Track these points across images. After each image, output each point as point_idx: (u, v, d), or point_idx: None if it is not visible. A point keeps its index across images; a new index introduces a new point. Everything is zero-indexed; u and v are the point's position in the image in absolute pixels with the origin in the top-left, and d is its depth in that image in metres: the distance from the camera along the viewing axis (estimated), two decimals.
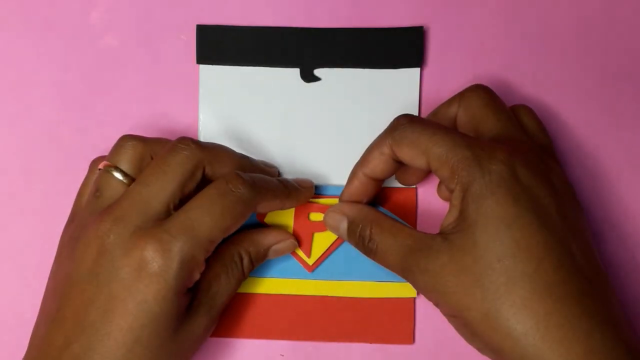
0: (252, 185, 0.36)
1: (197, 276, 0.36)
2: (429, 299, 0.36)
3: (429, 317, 0.41)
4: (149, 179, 0.35)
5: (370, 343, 0.41)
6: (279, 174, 0.42)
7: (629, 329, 0.34)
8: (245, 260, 0.39)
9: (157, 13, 0.43)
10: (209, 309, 0.37)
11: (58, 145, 0.42)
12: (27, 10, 0.43)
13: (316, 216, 0.41)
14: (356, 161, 0.39)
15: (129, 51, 0.43)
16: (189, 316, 0.36)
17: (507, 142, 0.36)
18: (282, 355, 0.42)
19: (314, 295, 0.41)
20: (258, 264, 0.40)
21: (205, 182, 0.37)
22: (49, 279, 0.37)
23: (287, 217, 0.41)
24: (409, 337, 0.41)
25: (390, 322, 0.41)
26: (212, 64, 0.42)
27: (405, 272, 0.36)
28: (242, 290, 0.41)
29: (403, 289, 0.41)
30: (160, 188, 0.35)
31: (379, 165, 0.37)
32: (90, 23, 0.43)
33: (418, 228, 0.41)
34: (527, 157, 0.35)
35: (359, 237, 0.38)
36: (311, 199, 0.41)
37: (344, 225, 0.39)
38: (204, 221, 0.35)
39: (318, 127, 0.42)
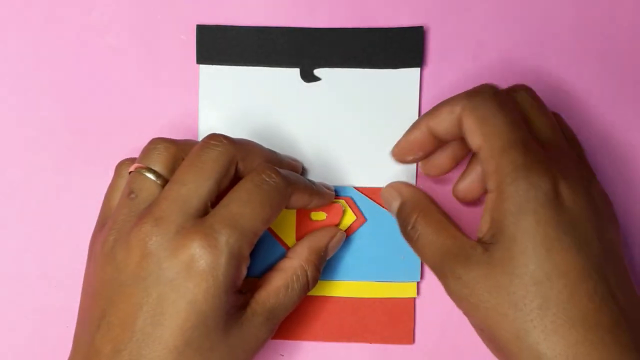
0: (286, 176, 0.36)
1: (244, 271, 0.35)
2: (459, 306, 0.36)
3: (429, 317, 0.41)
4: (185, 177, 0.35)
5: (370, 343, 0.41)
6: (303, 170, 0.42)
7: None
8: (310, 272, 0.38)
9: (157, 13, 0.43)
10: (266, 320, 0.36)
11: (58, 145, 0.42)
12: (27, 10, 0.43)
13: (317, 215, 0.41)
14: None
15: (129, 51, 0.43)
16: (242, 322, 0.35)
17: (553, 152, 0.35)
18: (282, 355, 0.42)
19: (314, 295, 0.41)
20: (322, 267, 0.39)
21: (237, 178, 0.36)
22: (86, 285, 0.37)
23: (289, 218, 0.41)
24: (409, 337, 0.41)
25: (390, 322, 0.41)
26: (212, 64, 0.42)
27: (438, 272, 0.36)
28: None
29: (403, 289, 0.41)
30: (198, 185, 0.35)
31: (444, 121, 0.36)
32: (90, 23, 0.43)
33: None
34: (572, 174, 0.35)
35: (404, 221, 0.38)
36: None
37: (396, 204, 0.39)
38: (245, 213, 0.34)
39: (318, 127, 0.42)
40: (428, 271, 0.41)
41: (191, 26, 0.42)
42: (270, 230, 0.41)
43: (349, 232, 0.41)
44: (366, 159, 0.42)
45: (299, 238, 0.41)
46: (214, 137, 0.36)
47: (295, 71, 0.42)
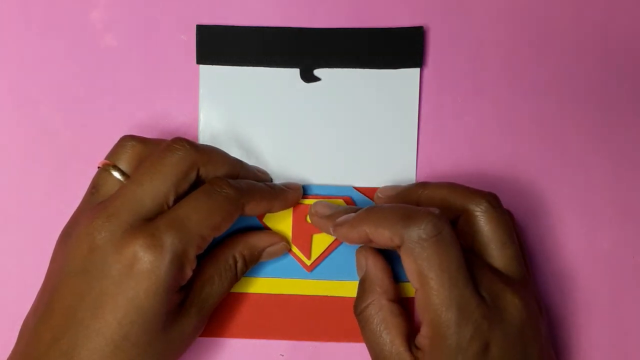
0: (238, 187, 0.37)
1: (189, 273, 0.36)
2: None
3: None
4: (143, 178, 0.35)
5: None
6: (272, 181, 0.42)
7: None
8: (240, 263, 0.39)
9: (157, 13, 0.43)
10: (199, 310, 0.37)
11: (58, 145, 0.42)
12: (27, 10, 0.43)
13: None
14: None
15: (129, 51, 0.43)
16: (180, 316, 0.36)
17: (492, 302, 0.35)
18: (282, 355, 0.42)
19: (313, 295, 0.41)
20: (252, 266, 0.40)
21: (199, 183, 0.37)
22: (46, 274, 0.37)
23: (285, 220, 0.41)
24: None
25: None
26: (212, 64, 0.42)
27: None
28: (241, 290, 0.41)
29: (403, 289, 0.41)
30: (154, 187, 0.35)
31: (382, 242, 0.36)
32: (90, 23, 0.43)
33: None
34: (507, 333, 0.35)
35: (360, 298, 0.38)
36: (310, 200, 0.41)
37: (360, 273, 0.39)
38: (193, 217, 0.35)
39: (318, 128, 0.42)
40: None
41: (191, 26, 0.42)
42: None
43: None
44: (366, 159, 0.42)
45: (295, 239, 0.41)
46: (177, 141, 0.37)
47: (295, 71, 0.42)
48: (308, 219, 0.41)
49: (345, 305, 0.41)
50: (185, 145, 0.36)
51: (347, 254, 0.41)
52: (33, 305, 0.37)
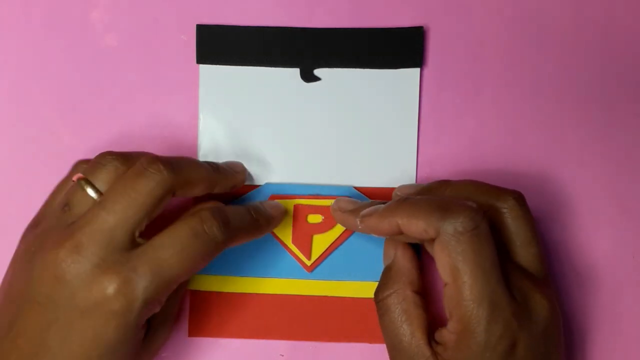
0: (226, 227, 0.35)
1: (158, 309, 0.35)
2: None
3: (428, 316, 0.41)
4: (115, 207, 0.33)
5: (370, 343, 0.41)
6: (244, 173, 0.41)
7: None
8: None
9: (157, 13, 0.43)
10: (164, 324, 0.37)
11: (58, 145, 0.42)
12: (27, 10, 0.43)
13: (314, 218, 0.41)
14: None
15: (129, 51, 0.43)
16: (148, 338, 0.36)
17: (521, 298, 0.35)
18: (282, 355, 0.42)
19: (313, 295, 0.41)
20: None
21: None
22: (4, 281, 0.36)
23: (285, 220, 0.41)
24: None
25: None
26: (212, 64, 0.42)
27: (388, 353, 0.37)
28: (242, 290, 0.41)
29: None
30: (127, 217, 0.33)
31: (416, 233, 0.36)
32: (90, 23, 0.43)
33: None
34: (533, 331, 0.35)
35: (383, 285, 0.38)
36: (309, 200, 0.41)
37: (387, 261, 0.39)
38: (173, 262, 0.33)
39: (318, 127, 0.42)
40: (427, 271, 0.41)
41: (191, 26, 0.42)
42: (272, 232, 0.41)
43: (348, 232, 0.41)
44: (366, 159, 0.42)
45: (295, 239, 0.41)
46: (152, 164, 0.34)
47: (295, 71, 0.42)
48: (308, 219, 0.41)
49: (345, 305, 0.41)
50: (161, 170, 0.34)
51: (348, 254, 0.41)
52: None
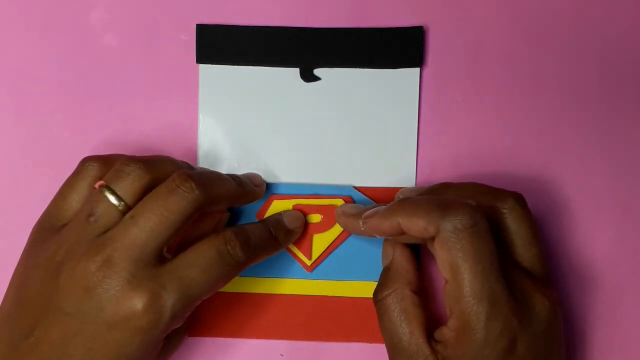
0: (248, 248, 0.36)
1: (179, 326, 0.35)
2: None
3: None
4: (148, 224, 0.34)
5: (370, 343, 0.41)
6: (263, 180, 0.42)
7: None
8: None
9: (157, 13, 0.43)
10: (178, 334, 0.38)
11: (58, 145, 0.42)
12: (27, 10, 0.43)
13: (315, 218, 0.41)
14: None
15: (129, 51, 0.43)
16: (163, 348, 0.36)
17: (521, 296, 0.35)
18: (282, 355, 0.42)
19: (313, 295, 0.41)
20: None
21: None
22: (18, 283, 0.36)
23: None
24: None
25: None
26: (212, 64, 0.42)
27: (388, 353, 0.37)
28: (242, 290, 0.41)
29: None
30: (158, 234, 0.34)
31: (416, 232, 0.36)
32: (90, 23, 0.43)
33: None
34: (533, 330, 0.35)
35: (382, 286, 0.38)
36: (309, 200, 0.41)
37: (386, 262, 0.39)
38: (201, 282, 0.34)
39: (318, 127, 0.42)
40: (427, 271, 0.41)
41: (191, 26, 0.42)
42: None
43: (348, 232, 0.41)
44: (366, 159, 0.42)
45: (295, 240, 0.41)
46: (185, 182, 0.35)
47: (295, 71, 0.42)
48: (308, 219, 0.41)
49: (345, 305, 0.41)
50: (193, 188, 0.35)
51: (348, 254, 0.41)
52: (7, 317, 0.35)
